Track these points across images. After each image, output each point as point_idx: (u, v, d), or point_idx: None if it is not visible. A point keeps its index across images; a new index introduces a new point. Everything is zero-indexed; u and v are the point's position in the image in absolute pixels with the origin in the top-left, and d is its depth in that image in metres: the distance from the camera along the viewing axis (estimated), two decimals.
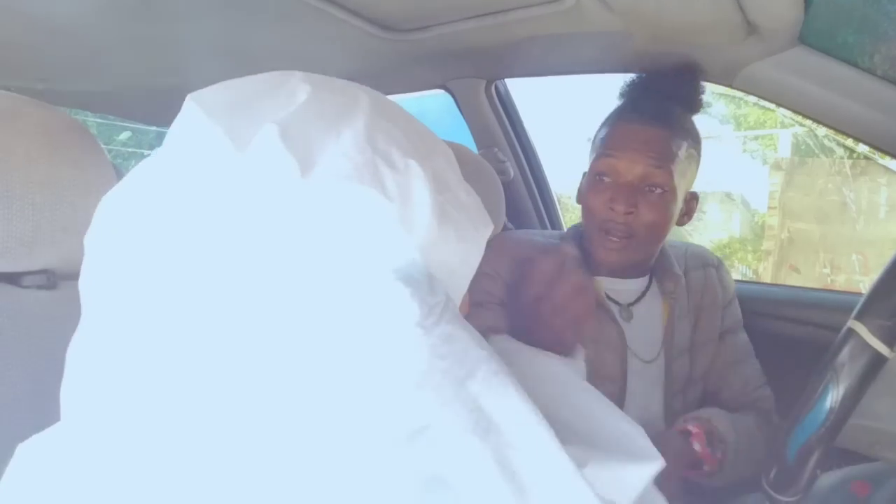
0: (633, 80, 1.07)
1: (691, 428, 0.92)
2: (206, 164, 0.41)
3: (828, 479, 0.81)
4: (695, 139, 1.02)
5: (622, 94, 1.09)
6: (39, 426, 0.57)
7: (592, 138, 1.08)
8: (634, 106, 1.04)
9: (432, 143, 0.49)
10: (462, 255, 0.46)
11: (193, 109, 0.42)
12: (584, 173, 1.07)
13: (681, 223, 1.07)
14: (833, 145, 5.45)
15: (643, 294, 1.07)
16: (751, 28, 0.91)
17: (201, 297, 0.39)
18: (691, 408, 1.03)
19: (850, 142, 5.29)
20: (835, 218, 5.27)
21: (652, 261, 1.08)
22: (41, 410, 0.58)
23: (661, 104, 1.01)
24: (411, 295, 0.39)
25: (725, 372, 1.07)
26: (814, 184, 5.39)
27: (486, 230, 0.48)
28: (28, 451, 0.42)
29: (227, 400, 0.38)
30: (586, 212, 1.04)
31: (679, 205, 1.02)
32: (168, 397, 0.38)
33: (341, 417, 0.37)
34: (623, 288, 1.06)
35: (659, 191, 0.98)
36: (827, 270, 5.14)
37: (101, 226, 0.45)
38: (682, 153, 0.99)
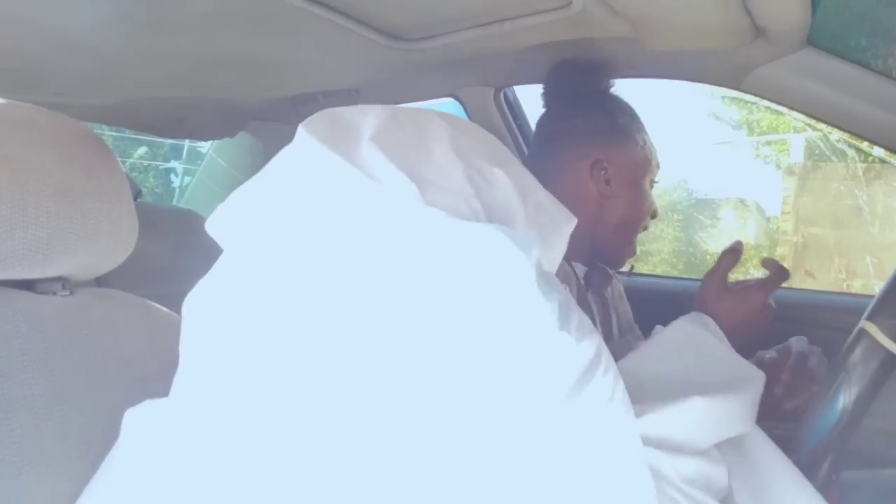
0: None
1: None
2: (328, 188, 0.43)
3: None
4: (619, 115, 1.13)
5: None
6: (54, 426, 0.58)
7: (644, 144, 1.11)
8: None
9: (506, 154, 0.51)
10: (547, 254, 0.47)
11: (306, 138, 0.45)
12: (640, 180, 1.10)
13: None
14: (845, 147, 5.40)
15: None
16: (758, 31, 0.91)
17: (335, 312, 0.40)
18: None
19: (864, 145, 5.25)
20: (849, 222, 5.21)
21: None
22: (56, 413, 0.59)
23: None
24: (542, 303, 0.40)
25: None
26: (828, 188, 5.34)
27: (569, 226, 0.50)
28: (138, 418, 0.45)
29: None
30: (641, 216, 1.09)
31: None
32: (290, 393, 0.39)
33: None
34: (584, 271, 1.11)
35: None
36: (842, 275, 5.08)
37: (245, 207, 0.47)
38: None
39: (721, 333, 0.77)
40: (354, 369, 0.39)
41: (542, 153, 1.14)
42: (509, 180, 0.46)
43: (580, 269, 1.07)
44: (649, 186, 1.09)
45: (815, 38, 0.92)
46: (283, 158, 0.46)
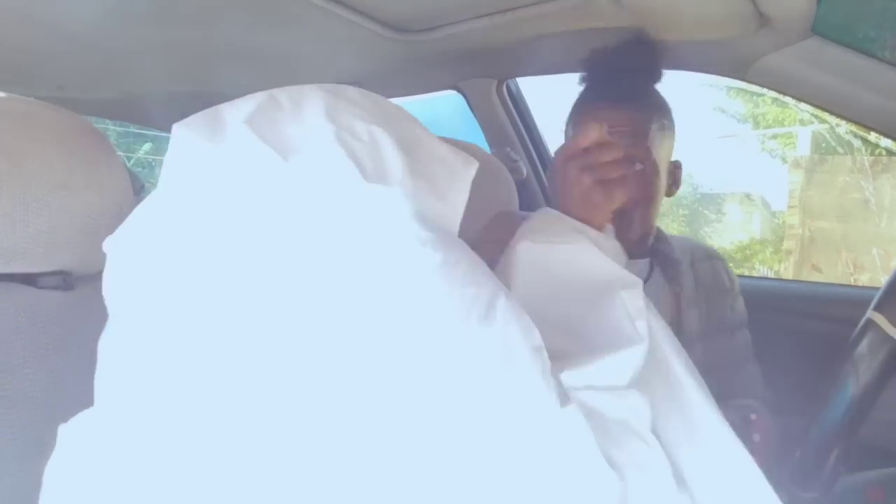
0: (589, 62, 1.05)
1: (753, 416, 0.85)
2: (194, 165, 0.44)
3: (843, 482, 0.79)
4: (663, 110, 1.01)
5: (581, 80, 1.06)
6: (55, 421, 0.58)
7: (565, 131, 1.07)
8: (595, 88, 1.02)
9: (395, 111, 0.51)
10: (446, 200, 0.48)
11: (176, 133, 0.46)
12: None
13: (670, 194, 1.06)
14: (852, 139, 5.36)
15: (646, 279, 1.06)
16: (763, 20, 0.90)
17: (240, 279, 0.40)
18: None
19: (871, 137, 5.21)
20: (856, 216, 5.18)
21: (649, 241, 1.06)
22: (57, 406, 0.59)
23: (621, 81, 0.99)
24: (421, 240, 0.41)
25: (735, 368, 1.06)
26: (834, 181, 5.30)
27: (466, 171, 0.50)
28: (70, 432, 0.45)
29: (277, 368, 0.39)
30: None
31: (663, 176, 1.01)
32: (212, 385, 0.39)
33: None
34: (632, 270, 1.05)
35: (639, 166, 0.95)
36: (850, 269, 5.06)
37: (133, 230, 0.47)
38: (654, 127, 0.98)
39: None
40: (253, 354, 0.39)
41: None
42: (387, 136, 0.46)
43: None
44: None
45: (820, 27, 0.91)
46: (166, 162, 0.47)
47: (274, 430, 0.38)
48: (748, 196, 6.73)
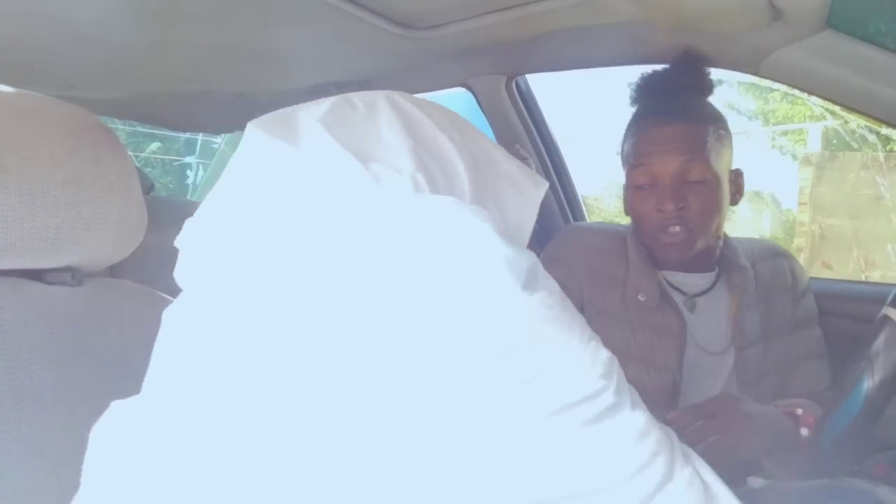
0: (640, 83, 1.08)
1: (799, 411, 0.86)
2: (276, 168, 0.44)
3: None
4: (717, 120, 1.02)
5: (634, 101, 1.10)
6: (62, 416, 0.58)
7: (620, 152, 1.10)
8: (649, 108, 1.05)
9: (466, 126, 0.51)
10: (513, 220, 0.48)
11: (252, 133, 0.46)
12: (625, 186, 1.08)
13: (734, 202, 1.07)
14: (865, 132, 5.31)
15: (710, 287, 1.06)
16: (776, 13, 0.89)
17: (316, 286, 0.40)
18: (765, 401, 0.96)
19: (883, 133, 5.16)
20: (868, 212, 5.13)
21: (717, 252, 1.07)
22: (64, 402, 0.59)
23: (674, 97, 1.02)
24: (507, 265, 0.40)
25: (796, 366, 1.05)
26: (845, 178, 5.25)
27: (536, 191, 0.50)
28: (114, 417, 0.45)
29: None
30: (639, 222, 1.05)
31: (726, 187, 1.02)
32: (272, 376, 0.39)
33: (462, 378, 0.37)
34: (689, 281, 1.06)
35: (701, 180, 0.99)
36: (861, 266, 5.02)
37: (204, 221, 0.47)
38: (710, 138, 0.99)
39: None
40: (330, 357, 0.38)
41: None
42: (458, 153, 0.46)
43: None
44: (631, 189, 1.05)
45: (835, 20, 0.90)
46: (237, 159, 0.47)
47: (327, 429, 0.38)
48: (758, 194, 6.69)
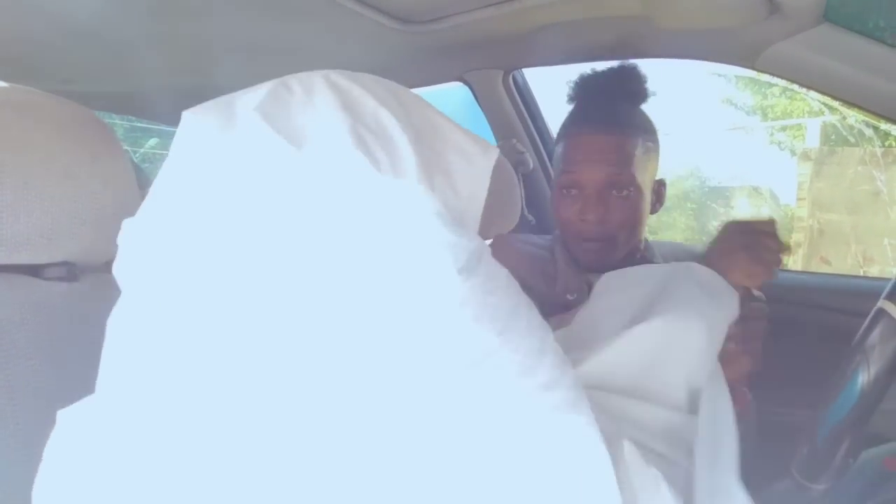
0: (579, 83, 1.11)
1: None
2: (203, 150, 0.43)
3: (864, 454, 0.78)
4: (648, 131, 1.05)
5: (570, 99, 1.12)
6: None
7: (553, 151, 1.13)
8: (582, 114, 1.08)
9: (410, 98, 0.50)
10: (464, 192, 0.46)
11: (186, 119, 0.45)
12: (551, 186, 1.12)
13: (654, 211, 1.11)
14: (863, 126, 5.31)
15: None
16: (773, 7, 0.89)
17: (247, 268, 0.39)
18: None
19: (881, 128, 5.16)
20: (866, 208, 5.13)
21: (638, 255, 1.10)
22: (62, 397, 0.58)
23: (608, 106, 1.04)
24: (448, 245, 0.39)
25: None
26: (844, 173, 5.26)
27: (486, 160, 0.49)
28: (69, 419, 0.44)
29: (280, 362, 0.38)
30: (560, 223, 1.08)
31: (647, 198, 1.06)
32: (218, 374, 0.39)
33: (406, 358, 0.37)
34: None
35: (625, 192, 1.02)
36: (859, 261, 5.02)
37: (146, 214, 0.46)
38: (638, 151, 1.02)
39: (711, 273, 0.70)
40: (260, 347, 0.38)
41: None
42: (401, 127, 0.45)
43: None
44: (558, 191, 1.06)
45: (833, 14, 0.89)
46: (173, 150, 0.46)
47: (272, 425, 0.37)
48: (756, 189, 6.69)
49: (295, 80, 0.47)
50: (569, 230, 1.06)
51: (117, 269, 0.46)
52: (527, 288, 0.48)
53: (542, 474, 0.38)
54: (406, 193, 0.41)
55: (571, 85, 1.12)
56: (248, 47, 1.24)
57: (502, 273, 0.43)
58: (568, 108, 1.13)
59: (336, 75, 0.47)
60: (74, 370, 0.61)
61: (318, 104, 0.44)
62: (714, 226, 6.78)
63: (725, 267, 0.71)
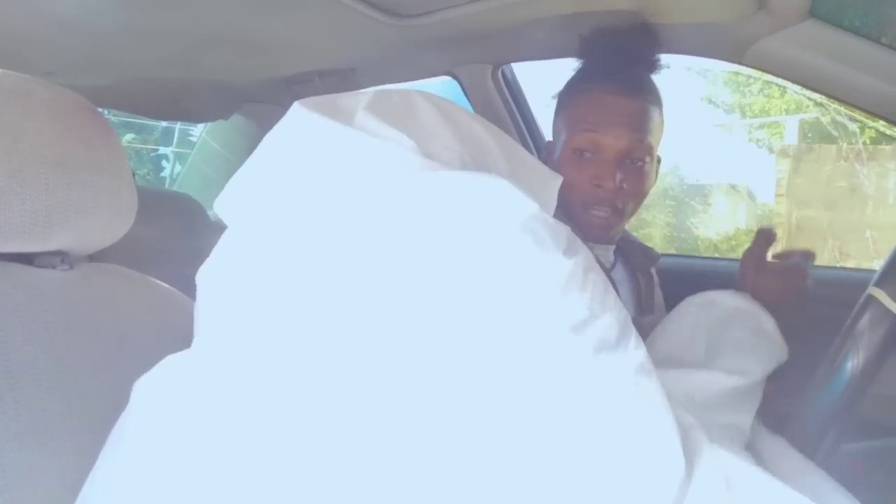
0: (595, 38, 1.03)
1: None
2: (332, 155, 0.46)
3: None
4: (661, 103, 1.01)
5: (582, 53, 1.04)
6: (59, 399, 0.58)
7: (558, 105, 1.04)
8: (606, 72, 0.99)
9: (487, 122, 0.54)
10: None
11: (301, 112, 0.48)
12: (555, 145, 1.03)
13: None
14: (845, 120, 5.40)
15: (616, 261, 1.10)
16: (760, 2, 0.90)
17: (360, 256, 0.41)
18: None
19: (856, 127, 5.25)
20: (842, 204, 5.23)
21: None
22: (61, 384, 0.58)
23: (631, 69, 0.98)
24: (551, 229, 0.44)
25: None
26: (821, 170, 5.35)
27: (555, 183, 0.55)
28: (149, 384, 0.46)
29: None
30: (567, 187, 1.00)
31: (655, 171, 1.03)
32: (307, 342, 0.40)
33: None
34: (603, 253, 1.05)
35: (640, 163, 0.97)
36: (836, 255, 5.11)
37: (242, 187, 0.49)
38: (656, 121, 0.98)
39: (757, 307, 0.79)
40: (380, 335, 0.39)
41: None
42: (492, 139, 0.50)
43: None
44: (568, 151, 0.98)
45: (819, 10, 0.91)
46: (281, 134, 0.48)
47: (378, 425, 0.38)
48: (734, 187, 6.77)
49: (392, 93, 0.51)
50: (576, 195, 0.97)
51: (221, 207, 0.49)
52: None
53: (621, 428, 0.41)
54: (509, 192, 0.43)
55: (588, 37, 1.03)
56: (236, 40, 1.23)
57: (592, 255, 0.47)
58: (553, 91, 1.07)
59: (428, 94, 0.52)
60: (71, 356, 0.61)
61: (419, 112, 0.49)
62: (692, 223, 6.87)
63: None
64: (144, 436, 0.43)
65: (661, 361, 0.65)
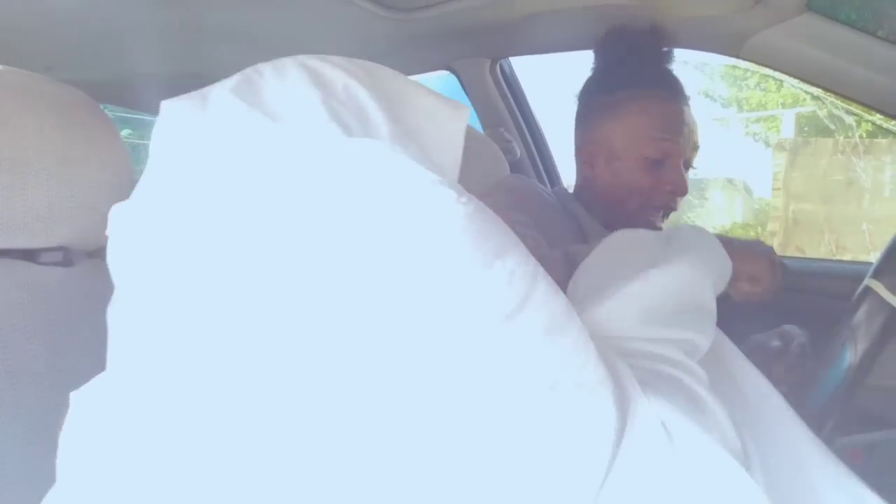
0: (648, 42, 1.04)
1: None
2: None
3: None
4: None
5: (632, 58, 1.04)
6: (60, 396, 0.57)
7: (605, 104, 1.03)
8: (663, 80, 1.02)
9: (379, 71, 0.50)
10: (437, 158, 0.46)
11: (165, 107, 0.46)
12: (586, 148, 1.05)
13: None
14: (842, 114, 5.40)
15: None
16: None
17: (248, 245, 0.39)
18: None
19: (852, 120, 5.26)
20: (839, 197, 5.24)
21: None
22: (62, 382, 0.59)
23: (673, 73, 1.03)
24: (435, 182, 0.39)
25: None
26: (818, 163, 5.36)
27: (458, 122, 0.49)
28: (82, 398, 0.44)
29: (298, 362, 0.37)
30: (633, 192, 1.01)
31: None
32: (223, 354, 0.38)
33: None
34: None
35: (690, 167, 1.03)
36: (832, 249, 5.13)
37: (132, 203, 0.46)
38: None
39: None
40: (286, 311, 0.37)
41: (574, 126, 1.11)
42: (368, 95, 0.45)
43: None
44: (642, 165, 1.00)
45: (816, 3, 0.91)
46: (154, 140, 0.46)
47: (282, 407, 0.37)
48: (730, 181, 6.78)
49: (267, 65, 0.48)
50: (642, 199, 1.01)
51: (110, 258, 0.46)
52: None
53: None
54: (382, 153, 0.40)
55: (639, 41, 1.04)
56: (234, 35, 1.22)
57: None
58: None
59: (306, 58, 0.48)
60: (73, 353, 0.61)
61: (289, 83, 0.45)
62: (689, 217, 6.88)
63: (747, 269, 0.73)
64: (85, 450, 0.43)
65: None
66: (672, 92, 1.01)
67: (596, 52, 1.09)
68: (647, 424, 0.42)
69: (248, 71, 0.47)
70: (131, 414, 0.40)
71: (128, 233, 0.45)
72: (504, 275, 0.38)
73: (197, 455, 0.38)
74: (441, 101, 0.49)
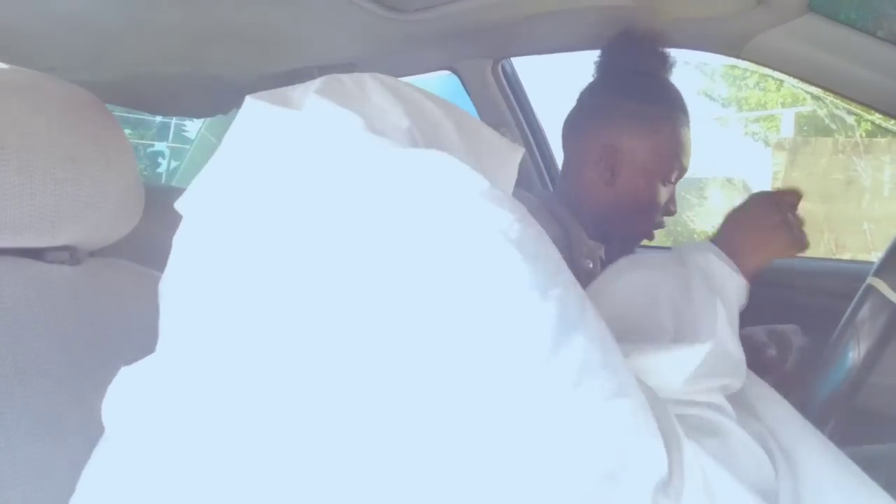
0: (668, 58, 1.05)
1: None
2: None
3: None
4: None
5: (661, 70, 1.05)
6: (69, 393, 0.58)
7: (649, 136, 1.01)
8: (679, 100, 1.06)
9: (444, 101, 0.53)
10: (497, 183, 0.48)
11: (253, 103, 0.47)
12: (638, 172, 1.02)
13: None
14: (842, 113, 5.41)
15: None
16: None
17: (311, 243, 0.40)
18: None
19: (852, 120, 5.26)
20: (838, 197, 5.25)
21: None
22: (71, 379, 0.59)
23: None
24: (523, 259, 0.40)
25: None
26: (817, 163, 5.36)
27: (514, 156, 0.53)
28: (129, 375, 0.46)
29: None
30: (650, 208, 1.02)
31: None
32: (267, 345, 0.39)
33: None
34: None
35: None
36: (832, 248, 5.13)
37: (203, 189, 0.48)
38: None
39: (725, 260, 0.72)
40: (336, 327, 0.38)
41: (570, 123, 1.09)
42: (443, 115, 0.49)
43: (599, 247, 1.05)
44: (662, 184, 1.02)
45: (817, 3, 0.92)
46: (236, 129, 0.47)
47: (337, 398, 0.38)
48: (730, 180, 6.78)
49: (344, 76, 0.50)
50: (651, 215, 1.04)
51: (179, 240, 0.47)
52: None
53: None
54: (461, 171, 0.41)
55: (659, 57, 1.05)
56: (236, 35, 1.23)
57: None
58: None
59: (381, 75, 0.51)
60: (81, 351, 0.61)
61: (370, 93, 0.48)
62: (688, 216, 6.88)
63: (764, 241, 0.74)
64: (123, 455, 0.43)
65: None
66: (686, 113, 1.04)
67: (614, 54, 1.07)
68: (693, 471, 0.43)
69: (327, 78, 0.49)
70: (169, 391, 0.42)
71: (199, 213, 0.46)
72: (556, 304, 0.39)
73: (218, 440, 0.39)
74: (500, 137, 0.54)
